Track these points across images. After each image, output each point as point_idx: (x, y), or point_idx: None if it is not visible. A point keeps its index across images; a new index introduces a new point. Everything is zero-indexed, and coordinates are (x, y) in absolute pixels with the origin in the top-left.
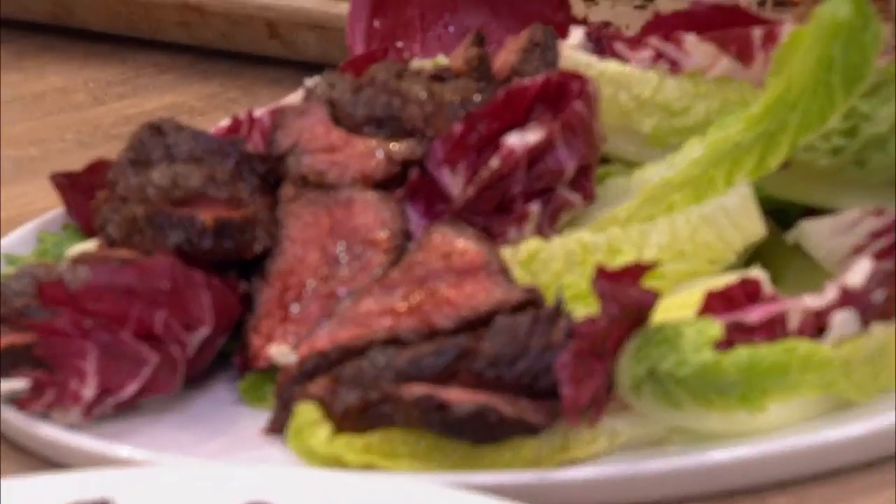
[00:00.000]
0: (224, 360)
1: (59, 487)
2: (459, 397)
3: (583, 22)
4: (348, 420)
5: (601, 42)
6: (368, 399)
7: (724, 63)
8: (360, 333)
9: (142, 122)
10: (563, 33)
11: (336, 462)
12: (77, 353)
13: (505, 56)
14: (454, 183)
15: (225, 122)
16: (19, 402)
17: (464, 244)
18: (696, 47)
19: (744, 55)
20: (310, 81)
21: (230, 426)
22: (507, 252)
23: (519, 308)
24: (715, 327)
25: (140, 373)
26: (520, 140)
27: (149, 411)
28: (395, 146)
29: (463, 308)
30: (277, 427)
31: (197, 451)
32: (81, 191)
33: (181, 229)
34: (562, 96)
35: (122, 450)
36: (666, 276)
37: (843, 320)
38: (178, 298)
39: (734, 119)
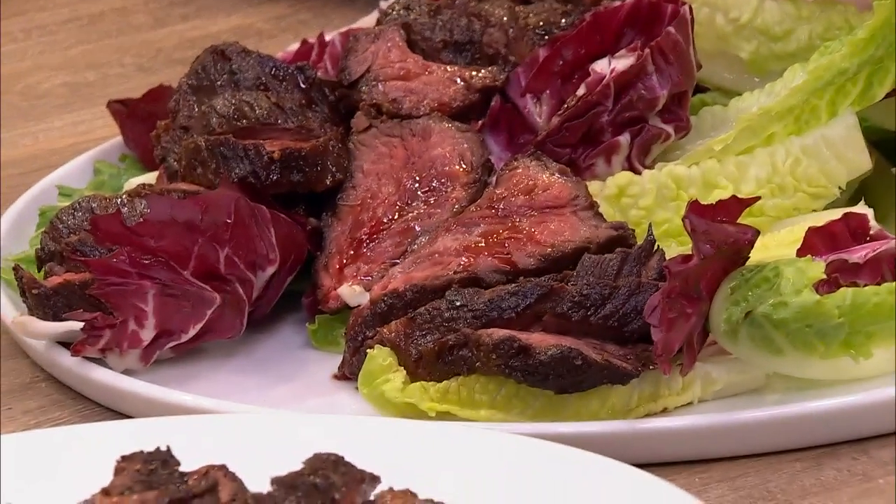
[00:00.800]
0: (292, 300)
1: (115, 436)
2: (542, 341)
3: None
4: (423, 366)
5: None
6: (445, 343)
7: None
8: (437, 273)
9: (205, 45)
10: None
11: (410, 410)
12: (134, 293)
13: None
14: (538, 112)
15: (294, 46)
16: (73, 345)
17: (548, 178)
18: None
19: None
20: (384, 3)
21: (297, 372)
22: (594, 186)
23: (607, 246)
24: (817, 267)
25: (202, 314)
26: (608, 67)
27: (211, 356)
28: (475, 73)
29: (547, 246)
30: (348, 372)
31: (262, 398)
32: (140, 119)
33: (246, 161)
34: (654, 19)
35: (182, 397)
36: (765, 212)
37: None
38: (242, 235)
39: (838, 44)
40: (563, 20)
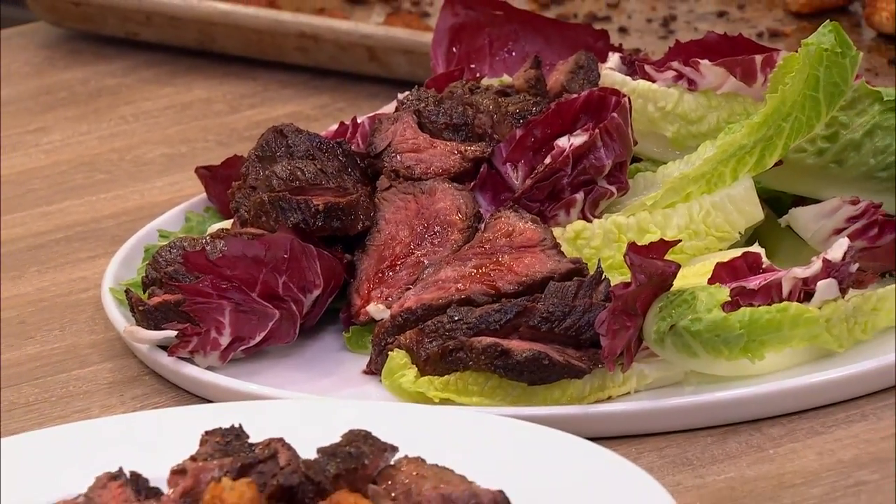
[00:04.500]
0: (332, 315)
1: (200, 417)
2: (519, 346)
3: (618, 49)
4: (430, 364)
5: (633, 65)
6: (446, 347)
7: (732, 82)
8: (440, 295)
9: (268, 126)
10: (603, 58)
11: (420, 397)
12: (215, 310)
13: (556, 76)
14: (515, 177)
15: (333, 127)
16: (169, 348)
17: (523, 225)
18: (709, 69)
19: (747, 76)
20: (401, 95)
21: (336, 368)
22: (557, 231)
23: (567, 276)
24: (723, 292)
25: (265, 325)
26: (568, 142)
27: (271, 356)
28: (469, 147)
29: (522, 276)
30: (374, 369)
31: (309, 387)
32: (220, 180)
33: (298, 211)
34: (602, 108)
35: (250, 386)
36: (684, 251)
37: (825, 287)
38: (295, 266)
39: (739, 126)
40: (535, 108)
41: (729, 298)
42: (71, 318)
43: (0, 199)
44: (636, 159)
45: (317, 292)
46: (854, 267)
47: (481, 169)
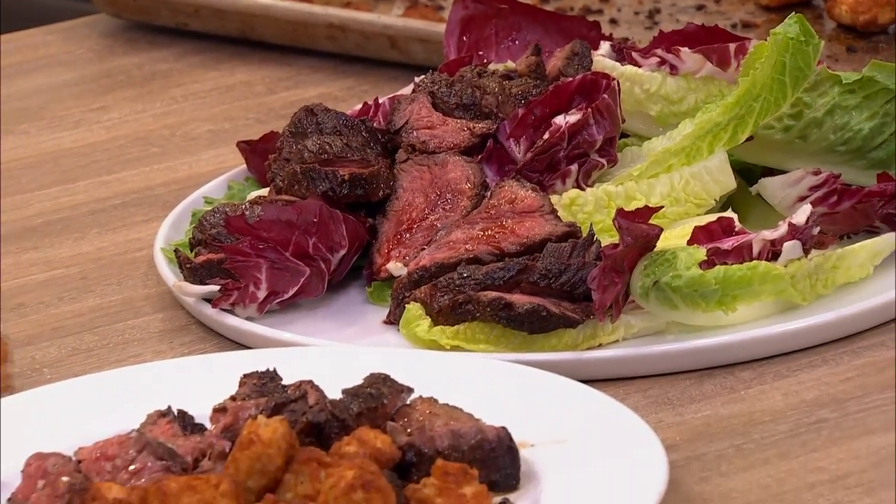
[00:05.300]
0: (356, 272)
1: (240, 362)
2: (520, 300)
3: (609, 38)
4: (442, 315)
5: (621, 52)
6: (456, 300)
7: (708, 67)
8: (451, 255)
9: (301, 106)
10: (595, 46)
11: (433, 345)
12: (253, 267)
13: (554, 62)
14: (517, 150)
15: (358, 107)
16: (213, 301)
17: (524, 193)
18: (688, 56)
19: (722, 62)
20: (417, 79)
21: (359, 318)
22: (554, 198)
23: (563, 238)
24: (700, 252)
25: (297, 281)
26: (564, 120)
27: (303, 308)
28: (477, 125)
29: (523, 237)
30: (393, 320)
31: (336, 336)
32: (258, 153)
33: (326, 181)
34: (594, 90)
35: (283, 335)
36: (666, 216)
37: (790, 248)
38: (323, 229)
39: (715, 106)
40: (535, 90)
41: (705, 258)
42: (127, 275)
43: (67, 168)
44: (624, 135)
45: (343, 252)
46: (816, 230)
47: (488, 143)
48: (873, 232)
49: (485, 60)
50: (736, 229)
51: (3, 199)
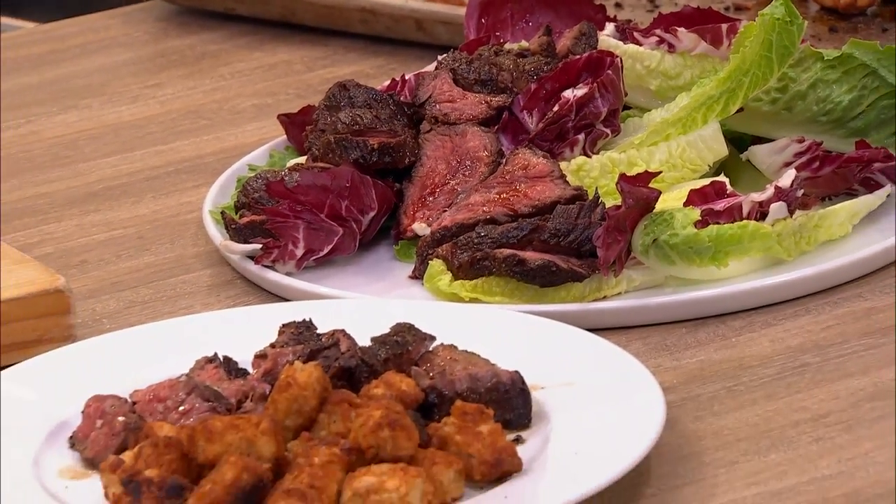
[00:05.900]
0: (384, 232)
1: (279, 313)
2: (532, 256)
3: (613, 20)
4: (462, 271)
5: (624, 32)
6: (475, 257)
7: (703, 46)
8: (470, 216)
9: (335, 81)
10: (601, 27)
11: (454, 297)
12: (292, 227)
13: (564, 41)
14: (530, 121)
15: (387, 83)
16: (255, 258)
17: (536, 160)
18: (685, 35)
19: (715, 41)
20: (440, 57)
21: (387, 274)
22: (563, 165)
23: (571, 200)
24: (695, 213)
25: (331, 240)
26: (572, 94)
27: (336, 264)
28: (494, 98)
29: (535, 200)
30: (418, 275)
31: (367, 289)
32: (297, 125)
33: (358, 149)
34: (599, 66)
35: (319, 288)
36: (664, 181)
37: (777, 208)
38: (355, 193)
39: (708, 80)
40: (546, 67)
41: (700, 218)
42: (179, 235)
43: (124, 140)
44: (626, 107)
45: (372, 214)
46: (800, 192)
47: (503, 115)
48: (852, 194)
49: (501, 40)
50: (727, 192)
51: (69, 166)
